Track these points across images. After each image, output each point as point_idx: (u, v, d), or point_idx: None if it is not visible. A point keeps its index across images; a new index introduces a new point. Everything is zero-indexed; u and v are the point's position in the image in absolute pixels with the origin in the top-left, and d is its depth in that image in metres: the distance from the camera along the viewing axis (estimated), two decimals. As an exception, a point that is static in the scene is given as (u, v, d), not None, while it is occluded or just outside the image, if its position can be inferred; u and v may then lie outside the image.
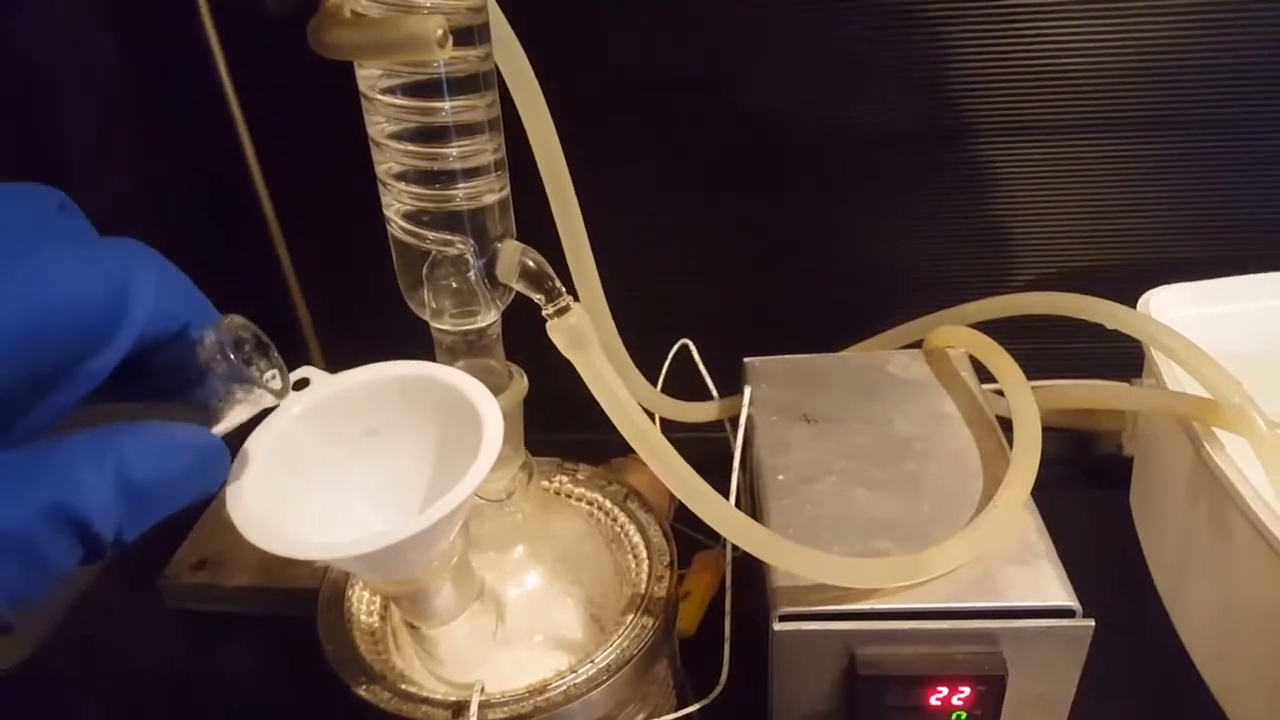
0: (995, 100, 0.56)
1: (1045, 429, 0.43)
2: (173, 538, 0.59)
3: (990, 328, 0.50)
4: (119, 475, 0.22)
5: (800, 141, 0.59)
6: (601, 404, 0.36)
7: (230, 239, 0.65)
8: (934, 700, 0.38)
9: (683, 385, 0.54)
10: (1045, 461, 0.42)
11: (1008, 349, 0.48)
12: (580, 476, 0.47)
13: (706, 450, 0.53)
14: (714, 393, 0.53)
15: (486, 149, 0.33)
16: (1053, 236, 0.61)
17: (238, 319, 0.26)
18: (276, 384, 0.27)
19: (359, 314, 0.53)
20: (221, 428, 0.26)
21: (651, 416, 0.53)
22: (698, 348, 0.54)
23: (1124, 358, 0.53)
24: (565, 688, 0.36)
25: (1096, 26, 0.53)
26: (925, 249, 0.62)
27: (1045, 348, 0.61)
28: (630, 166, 0.60)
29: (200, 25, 0.57)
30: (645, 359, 0.50)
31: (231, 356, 0.25)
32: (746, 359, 0.52)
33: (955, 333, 0.50)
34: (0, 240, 0.22)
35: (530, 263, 0.34)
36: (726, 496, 0.43)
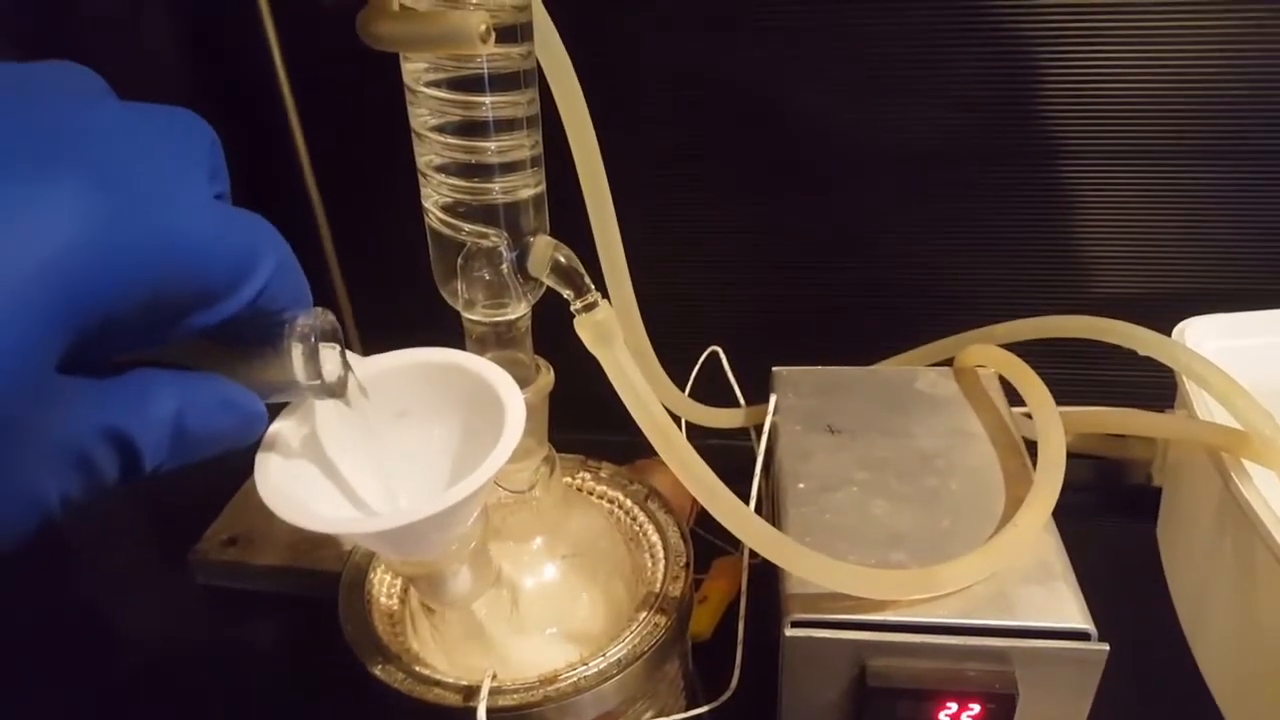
0: (1042, 123, 0.56)
1: (1075, 455, 0.43)
2: (205, 514, 0.60)
3: (1025, 351, 0.50)
4: (178, 421, 0.23)
5: (840, 154, 0.59)
6: (624, 400, 0.36)
7: (274, 223, 0.67)
8: (943, 716, 0.37)
9: (710, 392, 0.54)
10: (1073, 488, 0.41)
11: (1041, 373, 0.47)
12: (603, 475, 0.47)
13: (732, 458, 0.53)
14: (741, 400, 0.54)
15: (524, 145, 0.33)
16: (1092, 261, 0.60)
17: (329, 315, 0.27)
18: (335, 381, 0.28)
19: (397, 301, 0.54)
20: (272, 399, 0.27)
21: (677, 420, 0.53)
22: (728, 356, 0.54)
23: (1158, 388, 0.52)
24: (575, 679, 0.37)
25: (1148, 54, 0.53)
26: (963, 267, 0.62)
27: (1078, 374, 0.61)
28: (666, 172, 0.61)
29: (258, 14, 0.58)
30: (674, 364, 0.50)
31: (312, 341, 0.26)
32: (775, 368, 0.52)
33: (986, 352, 0.50)
34: (153, 159, 0.22)
35: (561, 258, 0.35)
36: (747, 502, 0.43)
